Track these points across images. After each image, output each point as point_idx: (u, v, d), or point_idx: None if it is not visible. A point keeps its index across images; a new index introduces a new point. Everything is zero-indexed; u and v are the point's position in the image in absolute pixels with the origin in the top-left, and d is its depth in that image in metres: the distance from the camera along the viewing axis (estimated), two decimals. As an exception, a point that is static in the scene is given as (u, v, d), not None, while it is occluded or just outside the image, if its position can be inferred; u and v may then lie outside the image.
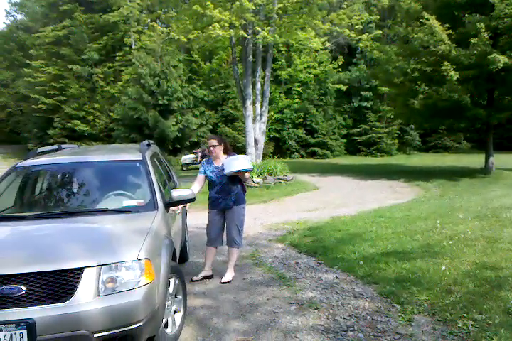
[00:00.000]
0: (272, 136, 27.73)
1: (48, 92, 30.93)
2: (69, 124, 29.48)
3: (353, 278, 4.72)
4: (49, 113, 31.15)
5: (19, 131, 40.10)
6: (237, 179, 4.82)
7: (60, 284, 2.73)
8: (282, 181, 14.08)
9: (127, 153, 4.60)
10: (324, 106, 28.99)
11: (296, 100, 28.89)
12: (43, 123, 32.03)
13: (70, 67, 30.01)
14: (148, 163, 4.27)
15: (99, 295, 2.76)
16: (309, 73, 29.27)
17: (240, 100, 16.00)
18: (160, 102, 25.29)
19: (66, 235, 3.23)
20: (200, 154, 21.56)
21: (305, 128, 28.71)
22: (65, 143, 30.24)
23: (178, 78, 26.02)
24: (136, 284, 2.86)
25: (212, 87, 27.78)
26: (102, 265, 2.82)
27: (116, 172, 4.27)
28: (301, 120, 28.63)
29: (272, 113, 28.28)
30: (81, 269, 2.78)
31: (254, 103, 15.25)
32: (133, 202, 3.88)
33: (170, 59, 25.98)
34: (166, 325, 3.35)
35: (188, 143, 26.08)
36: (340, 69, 29.04)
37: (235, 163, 4.63)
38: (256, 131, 15.03)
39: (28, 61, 34.68)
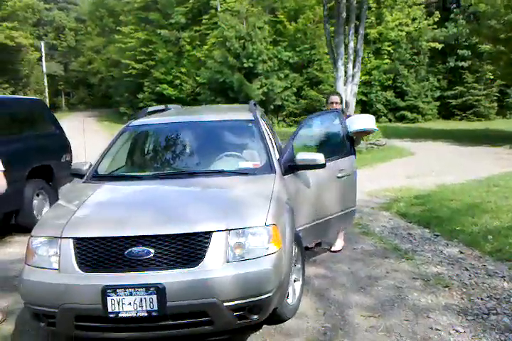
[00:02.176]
0: (358, 99, 26.59)
1: (137, 57, 31.75)
2: (157, 88, 30.21)
3: (480, 254, 4.29)
4: (139, 77, 32.08)
5: (111, 96, 41.97)
6: (352, 140, 4.47)
7: (188, 248, 2.60)
8: (375, 146, 13.48)
9: (238, 113, 4.40)
10: (416, 66, 27.20)
11: (386, 60, 27.30)
12: (133, 87, 33.13)
13: (158, 31, 30.44)
14: (261, 122, 4.04)
15: (228, 262, 2.60)
16: (401, 31, 27.39)
17: (331, 60, 15.32)
18: (245, 65, 24.99)
19: (189, 196, 3.13)
20: None
21: (394, 90, 27.22)
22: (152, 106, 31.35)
23: (263, 40, 25.48)
24: (265, 251, 2.68)
25: (298, 49, 26.92)
26: (230, 229, 2.66)
27: (229, 132, 4.10)
28: (390, 82, 27.14)
29: (360, 74, 27.02)
30: (209, 233, 2.63)
31: (345, 63, 14.52)
32: (248, 164, 3.68)
33: (255, 20, 25.38)
34: (287, 295, 3.18)
35: (272, 106, 25.75)
36: (435, 26, 26.91)
37: (360, 122, 4.28)
38: (347, 93, 14.37)
39: (118, 27, 35.72)
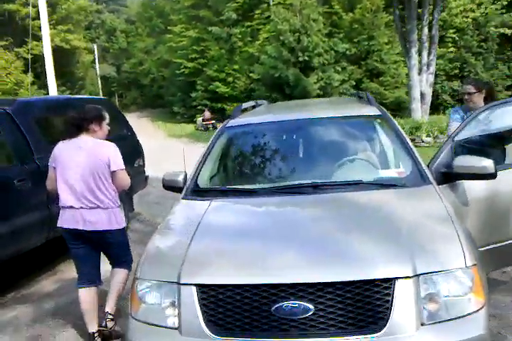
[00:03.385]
0: (421, 90, 25.14)
1: (189, 56, 31.45)
2: (210, 86, 29.76)
3: None
4: (191, 76, 31.78)
5: (162, 96, 42.05)
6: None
7: (363, 303, 1.83)
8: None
9: (356, 107, 3.59)
10: (485, 53, 25.37)
11: (451, 49, 25.66)
12: (185, 86, 32.88)
13: (209, 29, 29.98)
14: (391, 118, 3.22)
15: (422, 324, 1.80)
16: (466, 17, 25.64)
17: (402, 49, 14.22)
18: (300, 59, 24.08)
19: (340, 222, 2.32)
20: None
21: (461, 80, 25.49)
22: (206, 105, 30.89)
23: (318, 32, 24.46)
24: (469, 306, 1.86)
25: (355, 40, 25.69)
26: (418, 275, 1.85)
27: (352, 131, 3.30)
28: (456, 71, 25.49)
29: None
30: (391, 280, 1.84)
31: (419, 51, 13.37)
32: (391, 172, 2.87)
33: (310, 12, 24.36)
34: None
35: (329, 101, 24.69)
36: (503, 11, 24.96)
37: None
38: (422, 83, 13.23)
39: (168, 27, 35.62)
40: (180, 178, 3.16)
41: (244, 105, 4.05)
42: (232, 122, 3.58)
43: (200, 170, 3.15)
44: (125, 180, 3.11)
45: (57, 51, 28.68)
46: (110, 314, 3.13)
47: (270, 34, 27.05)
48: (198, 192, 2.95)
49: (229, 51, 30.46)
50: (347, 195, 2.57)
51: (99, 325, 3.08)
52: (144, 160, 6.62)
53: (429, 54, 13.30)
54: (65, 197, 3.03)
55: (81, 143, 3.04)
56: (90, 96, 8.37)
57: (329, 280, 1.83)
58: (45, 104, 5.05)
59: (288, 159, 3.25)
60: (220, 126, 3.73)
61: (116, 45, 55.27)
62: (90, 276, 3.18)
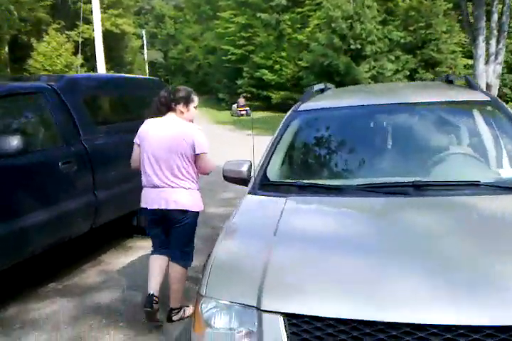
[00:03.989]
0: (479, 82, 23.75)
1: (236, 43, 31.05)
2: (257, 74, 29.34)
3: None
4: (237, 63, 31.42)
5: (207, 82, 41.91)
6: None
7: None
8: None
9: (459, 92, 3.02)
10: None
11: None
12: (231, 73, 32.60)
13: (258, 15, 29.45)
14: (504, 105, 2.64)
15: None
16: (534, 5, 23.94)
17: (469, 36, 13.24)
18: (352, 47, 23.29)
19: (463, 235, 1.77)
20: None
21: (523, 72, 23.97)
22: (252, 92, 30.43)
23: (372, 20, 23.46)
24: None
25: (411, 28, 24.50)
26: None
27: (456, 119, 2.75)
28: (515, 63, 23.92)
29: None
30: None
31: (487, 40, 12.39)
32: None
33: (364, -2, 23.35)
34: None
35: (380, 91, 23.68)
36: None
37: None
38: (489, 74, 12.28)
39: (217, 13, 35.26)
40: (245, 168, 2.72)
41: (317, 87, 3.55)
42: (304, 106, 3.09)
43: (270, 160, 2.69)
44: (209, 163, 3.07)
45: (107, 35, 28.91)
46: (174, 310, 3.14)
47: (321, 21, 26.24)
48: (268, 187, 2.49)
49: (277, 38, 29.86)
50: (463, 200, 2.03)
51: (145, 306, 3.04)
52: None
53: (497, 43, 12.30)
54: (150, 176, 3.04)
55: (168, 123, 3.02)
56: (143, 76, 8.02)
57: (477, 324, 1.32)
58: (95, 82, 4.69)
59: (376, 151, 2.72)
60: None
61: (164, 31, 55.54)
62: (164, 248, 3.22)
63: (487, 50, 12.32)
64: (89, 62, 25.78)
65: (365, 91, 3.83)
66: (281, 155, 2.78)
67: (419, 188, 2.18)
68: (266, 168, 2.64)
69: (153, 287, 3.08)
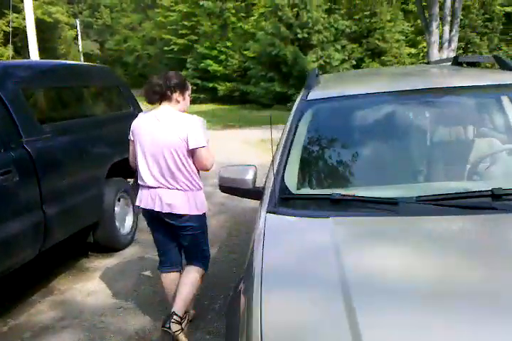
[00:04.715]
0: (423, 71, 24.09)
1: (179, 32, 29.84)
2: (201, 65, 28.27)
3: None
4: (180, 53, 30.23)
5: (146, 75, 40.26)
6: None
7: None
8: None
9: (497, 74, 2.50)
10: (490, 33, 24.36)
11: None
12: (174, 64, 31.30)
13: (200, 3, 28.34)
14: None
15: None
16: (472, -6, 24.52)
17: (422, 23, 13.06)
18: (299, 36, 22.82)
19: None
20: None
21: (465, 60, 24.54)
22: (197, 84, 29.38)
23: (318, 8, 23.14)
24: None
25: (356, 17, 24.40)
26: None
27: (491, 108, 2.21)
28: (460, 51, 24.41)
29: (425, 44, 24.52)
30: None
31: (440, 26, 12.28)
32: None
33: (310, -15, 22.93)
34: None
35: (328, 81, 23.45)
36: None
37: None
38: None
39: (156, 1, 33.81)
40: (249, 176, 2.11)
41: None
42: (313, 94, 2.48)
43: (286, 165, 2.05)
44: (206, 159, 2.70)
45: (38, 25, 26.98)
46: (176, 315, 2.71)
47: (266, 9, 25.62)
48: (292, 202, 1.86)
49: (221, 27, 28.89)
50: None
51: (163, 325, 2.71)
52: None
53: (450, 29, 12.21)
54: (144, 175, 2.75)
55: (160, 115, 2.69)
56: (91, 64, 7.09)
57: None
58: (36, 69, 3.82)
59: (421, 148, 2.16)
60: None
61: (100, 20, 52.95)
62: (171, 259, 2.94)
63: (441, 37, 12.19)
64: (21, 54, 23.84)
65: (380, 74, 3.26)
66: (297, 158, 2.15)
67: (501, 198, 1.63)
68: (283, 175, 2.00)
69: (174, 306, 2.76)
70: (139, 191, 2.85)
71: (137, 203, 2.87)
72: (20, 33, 20.48)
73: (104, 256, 4.31)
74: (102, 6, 52.39)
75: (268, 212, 1.84)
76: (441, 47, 12.19)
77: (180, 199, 2.70)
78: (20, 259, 3.15)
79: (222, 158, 9.26)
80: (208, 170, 2.77)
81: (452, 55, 12.40)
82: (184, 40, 29.92)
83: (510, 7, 23.43)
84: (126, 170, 4.70)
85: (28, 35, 15.50)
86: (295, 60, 22.60)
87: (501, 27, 24.62)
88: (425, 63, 3.98)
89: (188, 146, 2.60)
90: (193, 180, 2.71)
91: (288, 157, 2.10)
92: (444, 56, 12.18)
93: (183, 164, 2.65)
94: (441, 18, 12.16)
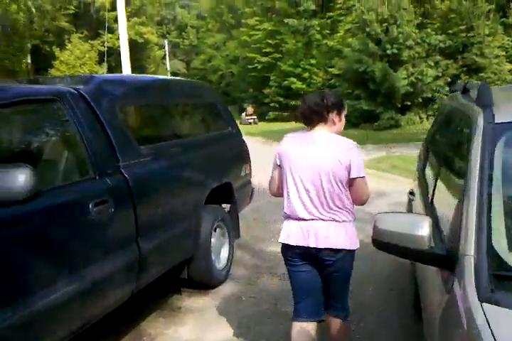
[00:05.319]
0: None
1: (263, 50, 29.95)
2: (285, 82, 28.15)
3: None
4: (264, 71, 30.29)
5: (230, 93, 40.82)
6: None
7: None
8: None
9: None
10: None
11: None
12: (257, 82, 31.50)
13: (285, 21, 28.28)
14: None
15: None
16: None
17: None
18: (388, 52, 21.87)
19: None
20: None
21: None
22: (280, 102, 29.12)
23: (409, 23, 22.09)
24: None
25: (450, 31, 23.00)
26: None
27: None
28: None
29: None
30: None
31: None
32: None
33: (399, 1, 21.97)
34: None
35: (420, 99, 22.23)
36: None
37: None
38: None
39: (242, 20, 34.32)
40: (424, 232, 1.47)
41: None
42: (502, 115, 1.80)
43: (490, 222, 1.39)
44: (364, 191, 2.44)
45: (130, 45, 28.26)
46: None
47: (353, 25, 24.96)
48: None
49: (306, 45, 28.63)
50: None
51: None
52: (251, 167, 4.97)
53: None
54: (294, 205, 2.44)
55: (317, 138, 2.41)
56: (192, 80, 6.81)
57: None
58: (134, 84, 3.45)
59: None
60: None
61: (187, 40, 54.97)
62: (311, 308, 2.54)
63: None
64: (113, 72, 24.93)
65: None
66: (501, 210, 1.48)
67: None
68: (489, 236, 1.34)
69: None
70: (286, 225, 2.50)
71: (283, 240, 2.48)
72: (114, 53, 21.32)
73: (197, 294, 3.82)
74: (188, 27, 54.41)
75: (483, 300, 1.18)
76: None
77: (339, 232, 2.39)
78: (112, 303, 2.71)
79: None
80: (363, 204, 2.48)
81: None
82: (268, 58, 30.00)
83: None
84: (224, 195, 4.26)
85: (122, 54, 15.97)
86: (384, 76, 21.64)
87: None
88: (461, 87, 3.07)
89: (349, 174, 2.34)
90: (349, 211, 2.43)
91: (490, 210, 1.44)
92: None
93: (342, 193, 2.37)
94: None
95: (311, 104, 2.40)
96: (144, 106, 3.49)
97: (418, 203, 3.09)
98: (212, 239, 3.88)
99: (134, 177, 2.82)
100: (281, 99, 29.05)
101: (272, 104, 29.29)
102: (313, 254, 2.40)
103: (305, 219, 2.40)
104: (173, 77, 4.84)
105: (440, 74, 22.25)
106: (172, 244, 3.27)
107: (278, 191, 2.58)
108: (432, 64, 22.34)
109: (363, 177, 2.38)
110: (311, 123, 2.42)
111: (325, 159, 2.34)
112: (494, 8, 22.88)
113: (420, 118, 22.51)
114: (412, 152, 11.88)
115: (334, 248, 2.36)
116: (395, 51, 21.71)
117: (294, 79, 27.90)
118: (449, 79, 22.19)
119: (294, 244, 2.42)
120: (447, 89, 22.22)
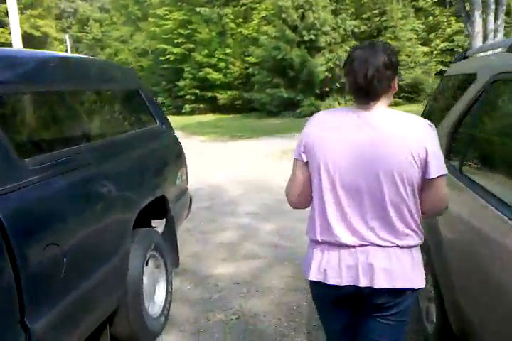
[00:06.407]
0: (438, 70, 22.73)
1: (175, 41, 28.41)
2: (200, 73, 26.86)
3: None
4: (177, 63, 28.80)
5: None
6: None
7: None
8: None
9: None
10: (507, 28, 22.99)
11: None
12: (171, 74, 29.95)
13: (197, 10, 26.93)
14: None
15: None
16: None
17: (461, 12, 11.60)
18: (305, 38, 21.44)
19: None
20: None
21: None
22: (196, 94, 27.70)
23: (324, 8, 21.75)
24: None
25: (364, 16, 23.02)
26: None
27: None
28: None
29: (438, 41, 23.19)
30: None
31: (485, 15, 10.83)
32: None
33: (313, -15, 21.51)
34: None
35: (338, 84, 22.02)
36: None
37: None
38: (489, 54, 10.64)
39: (150, 10, 32.45)
40: None
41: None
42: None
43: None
44: (445, 194, 1.58)
45: (26, 39, 25.61)
46: None
47: (268, 12, 24.27)
48: None
49: (220, 34, 27.49)
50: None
51: None
52: (187, 172, 3.87)
53: (495, 18, 10.74)
54: (332, 224, 1.54)
55: (373, 119, 1.51)
56: (102, 59, 5.49)
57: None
58: (16, 62, 2.17)
59: None
60: None
61: (90, 35, 51.67)
62: None
63: (485, 27, 10.74)
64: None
65: None
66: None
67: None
68: None
69: None
70: (316, 254, 1.63)
71: (314, 277, 1.63)
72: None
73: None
74: (91, 20, 51.15)
75: None
76: (485, 39, 10.70)
77: (403, 264, 1.57)
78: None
79: (256, 179, 7.88)
80: (440, 213, 1.71)
81: (498, 46, 10.92)
82: (180, 48, 28.55)
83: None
84: (156, 212, 3.17)
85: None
86: (303, 63, 21.20)
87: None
88: (462, 55, 2.81)
89: (426, 174, 1.53)
90: (418, 226, 1.59)
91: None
92: (489, 48, 10.69)
93: (411, 202, 1.55)
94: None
95: (379, 65, 1.47)
96: (33, 95, 2.25)
97: None
98: (143, 278, 2.76)
99: (12, 212, 1.65)
100: (197, 91, 27.73)
101: (187, 97, 27.90)
102: (363, 296, 1.59)
103: (351, 246, 1.55)
104: (79, 55, 3.57)
105: (357, 60, 22.14)
106: (86, 305, 2.11)
107: (304, 200, 1.67)
108: (348, 49, 22.20)
109: (445, 175, 1.55)
110: (368, 96, 1.52)
111: (389, 152, 1.50)
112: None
113: (339, 103, 22.36)
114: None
115: (395, 288, 1.54)
116: (313, 37, 21.32)
117: (209, 70, 26.73)
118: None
119: (334, 284, 1.58)
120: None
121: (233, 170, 8.38)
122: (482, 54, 2.74)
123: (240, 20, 26.99)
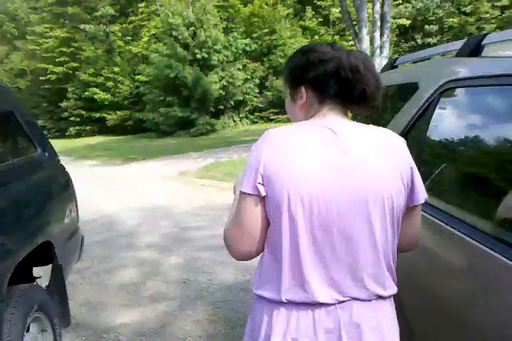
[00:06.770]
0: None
1: (56, 60, 26.57)
2: (86, 93, 25.27)
3: None
4: (59, 83, 26.90)
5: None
6: None
7: None
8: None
9: None
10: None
11: (351, 42, 24.53)
12: (52, 95, 27.89)
13: (81, 27, 25.49)
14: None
15: None
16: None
17: (349, 30, 11.94)
18: (198, 56, 21.07)
19: None
20: None
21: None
22: (82, 115, 25.89)
23: (215, 26, 21.63)
24: None
25: (255, 35, 23.29)
26: None
27: None
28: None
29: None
30: None
31: (370, 32, 11.26)
32: None
33: (205, 3, 21.33)
34: None
35: (232, 102, 21.93)
36: (400, 1, 24.60)
37: None
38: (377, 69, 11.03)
39: (28, 28, 30.10)
40: None
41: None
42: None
43: None
44: (419, 225, 1.28)
45: None
46: None
47: (158, 30, 23.57)
48: None
49: (107, 52, 26.22)
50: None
51: None
52: (77, 205, 3.14)
53: (381, 35, 11.19)
54: (306, 276, 1.10)
55: (349, 135, 1.11)
56: None
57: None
58: None
59: None
60: None
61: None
62: None
63: (371, 44, 11.15)
64: None
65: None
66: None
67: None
68: None
69: None
70: (278, 318, 1.14)
71: None
72: None
73: None
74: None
75: None
76: (372, 55, 11.10)
77: (392, 318, 1.20)
78: None
79: (154, 204, 7.07)
80: (415, 247, 1.30)
81: (385, 62, 11.37)
82: (63, 67, 26.77)
83: (402, 19, 23.93)
84: (39, 260, 2.44)
85: None
86: (196, 81, 20.75)
87: (395, 39, 25.07)
88: (389, 65, 2.74)
89: (411, 199, 1.17)
90: (394, 271, 1.20)
91: None
92: (377, 64, 11.09)
93: (395, 238, 1.17)
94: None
95: (377, 77, 1.12)
96: None
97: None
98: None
99: None
100: (83, 112, 26.09)
101: (72, 119, 26.12)
102: None
103: (327, 304, 1.12)
104: None
105: (249, 77, 22.29)
106: None
107: (258, 249, 1.16)
108: (241, 67, 22.28)
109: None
110: (359, 107, 1.15)
111: (378, 174, 1.11)
112: (292, 11, 23.97)
113: (234, 121, 22.25)
114: (241, 155, 11.13)
115: None
116: (205, 55, 21.02)
117: (96, 90, 25.29)
118: (258, 81, 22.35)
119: None
120: (257, 91, 22.43)
121: (128, 195, 7.58)
122: (420, 63, 2.38)
123: (129, 37, 26.02)
